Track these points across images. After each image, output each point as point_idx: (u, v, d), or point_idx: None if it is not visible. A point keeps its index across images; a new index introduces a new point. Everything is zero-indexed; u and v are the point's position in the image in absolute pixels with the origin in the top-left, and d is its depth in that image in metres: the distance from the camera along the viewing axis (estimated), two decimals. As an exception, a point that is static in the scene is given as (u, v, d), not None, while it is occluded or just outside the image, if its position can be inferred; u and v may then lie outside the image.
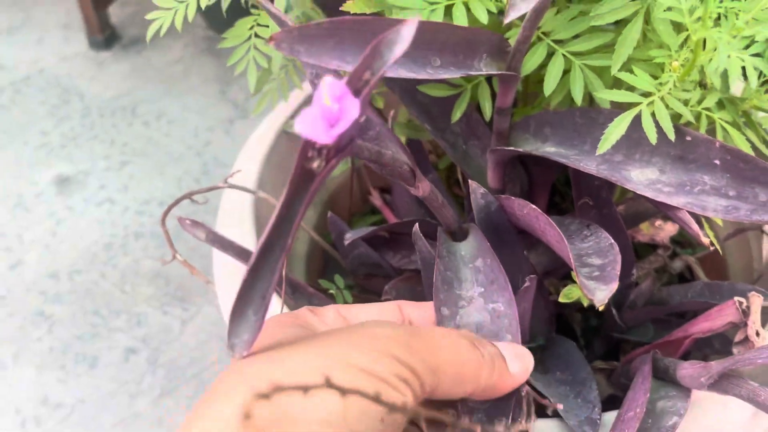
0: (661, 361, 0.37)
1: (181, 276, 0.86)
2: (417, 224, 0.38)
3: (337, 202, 0.59)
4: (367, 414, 0.24)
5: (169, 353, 0.79)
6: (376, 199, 0.58)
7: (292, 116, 0.54)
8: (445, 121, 0.46)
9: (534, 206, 0.36)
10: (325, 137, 0.23)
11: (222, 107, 1.09)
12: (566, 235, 0.38)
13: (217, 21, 1.13)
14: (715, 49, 0.32)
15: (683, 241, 0.53)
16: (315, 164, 0.25)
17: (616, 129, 0.34)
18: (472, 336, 0.30)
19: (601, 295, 0.30)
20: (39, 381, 0.78)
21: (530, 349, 0.45)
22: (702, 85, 0.39)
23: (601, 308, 0.41)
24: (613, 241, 0.34)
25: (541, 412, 0.37)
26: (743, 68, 0.34)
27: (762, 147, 0.41)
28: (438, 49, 0.35)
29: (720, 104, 0.39)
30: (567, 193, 0.57)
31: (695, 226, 0.32)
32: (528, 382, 0.39)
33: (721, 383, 0.32)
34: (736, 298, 0.38)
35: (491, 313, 0.33)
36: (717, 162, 0.33)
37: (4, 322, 0.83)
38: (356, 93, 0.24)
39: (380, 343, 0.26)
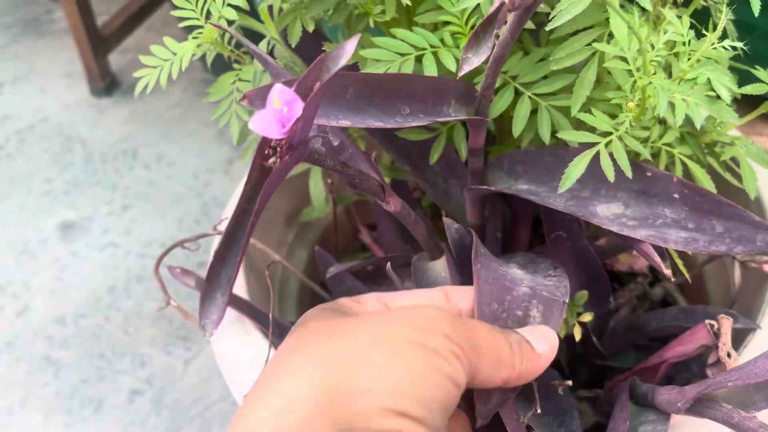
0: (640, 388, 0.38)
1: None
2: (389, 262, 0.40)
3: (327, 241, 0.60)
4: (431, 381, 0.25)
5: (173, 393, 0.81)
6: (365, 236, 0.60)
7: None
8: (424, 162, 0.48)
9: (483, 254, 0.38)
10: (276, 134, 0.26)
11: (220, 148, 1.11)
12: (532, 272, 0.39)
13: (214, 64, 1.16)
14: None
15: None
16: (271, 161, 0.28)
17: (576, 168, 0.36)
18: (496, 327, 0.31)
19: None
20: (46, 426, 0.79)
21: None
22: (663, 121, 0.41)
23: (578, 337, 0.42)
24: (565, 299, 0.35)
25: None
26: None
27: (728, 175, 0.43)
28: (407, 97, 0.37)
29: (681, 139, 0.41)
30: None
31: (657, 258, 0.34)
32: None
33: (696, 407, 0.33)
34: (707, 321, 0.39)
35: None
36: (676, 196, 0.35)
37: (12, 368, 0.85)
38: (304, 98, 0.27)
39: (430, 321, 0.27)
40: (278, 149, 0.29)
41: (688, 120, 0.41)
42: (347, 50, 0.29)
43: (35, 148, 1.16)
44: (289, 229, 0.59)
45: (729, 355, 0.39)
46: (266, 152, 0.29)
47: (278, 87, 0.28)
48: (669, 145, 0.40)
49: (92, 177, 1.09)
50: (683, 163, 0.39)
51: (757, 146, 0.40)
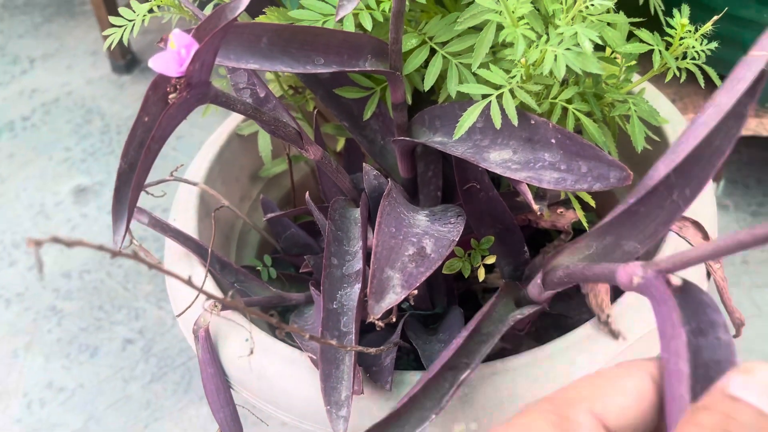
0: (522, 291, 0.42)
1: (176, 274, 0.93)
2: (307, 193, 0.44)
3: (289, 199, 0.65)
4: None
5: (162, 344, 0.87)
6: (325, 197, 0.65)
7: (242, 122, 0.61)
8: (363, 119, 0.52)
9: (394, 196, 0.42)
10: (173, 72, 0.31)
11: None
12: (436, 220, 0.43)
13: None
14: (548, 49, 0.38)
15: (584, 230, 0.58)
16: (171, 96, 0.32)
17: (469, 117, 0.40)
18: None
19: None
20: (46, 368, 0.86)
21: (430, 315, 0.51)
22: (565, 81, 0.44)
23: (482, 277, 0.46)
24: (455, 238, 0.39)
25: (412, 366, 0.42)
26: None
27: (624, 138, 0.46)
28: (322, 50, 0.41)
29: (584, 99, 0.44)
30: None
31: (530, 196, 0.38)
32: (410, 342, 0.45)
33: (548, 277, 0.37)
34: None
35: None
36: (553, 141, 0.39)
37: (21, 316, 0.92)
38: (200, 42, 0.32)
39: None
40: (177, 87, 0.34)
41: (594, 80, 0.45)
42: (244, 2, 0.34)
43: (58, 120, 1.24)
44: (254, 186, 0.63)
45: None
46: (168, 89, 0.34)
47: (176, 32, 0.32)
48: (569, 101, 0.43)
49: (107, 146, 1.17)
50: (578, 119, 0.43)
51: (649, 105, 0.43)
